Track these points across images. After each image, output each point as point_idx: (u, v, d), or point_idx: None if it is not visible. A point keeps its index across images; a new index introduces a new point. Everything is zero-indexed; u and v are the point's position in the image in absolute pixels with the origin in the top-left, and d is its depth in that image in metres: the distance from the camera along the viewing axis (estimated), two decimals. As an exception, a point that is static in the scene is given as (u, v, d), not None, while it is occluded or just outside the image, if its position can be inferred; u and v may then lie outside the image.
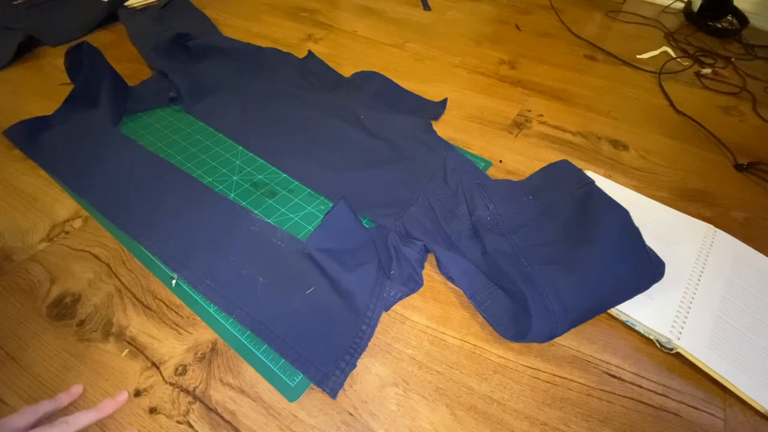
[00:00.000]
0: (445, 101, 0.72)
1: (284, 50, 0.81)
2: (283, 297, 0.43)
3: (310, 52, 0.82)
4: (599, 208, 0.48)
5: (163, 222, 0.50)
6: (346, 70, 0.79)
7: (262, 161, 0.60)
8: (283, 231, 0.49)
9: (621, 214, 0.46)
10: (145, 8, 0.96)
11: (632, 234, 0.45)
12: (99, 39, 0.86)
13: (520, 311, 0.43)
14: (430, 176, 0.56)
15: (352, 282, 0.43)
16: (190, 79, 0.71)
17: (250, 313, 0.42)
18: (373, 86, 0.73)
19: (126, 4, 0.95)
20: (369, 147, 0.61)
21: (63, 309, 0.43)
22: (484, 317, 0.43)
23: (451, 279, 0.46)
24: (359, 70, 0.77)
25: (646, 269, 0.44)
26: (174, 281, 0.45)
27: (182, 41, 0.79)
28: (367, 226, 0.50)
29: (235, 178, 0.57)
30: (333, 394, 0.37)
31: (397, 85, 0.75)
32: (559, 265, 0.43)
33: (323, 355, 0.39)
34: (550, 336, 0.40)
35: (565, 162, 0.55)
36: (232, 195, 0.55)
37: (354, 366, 0.39)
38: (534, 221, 0.50)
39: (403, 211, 0.52)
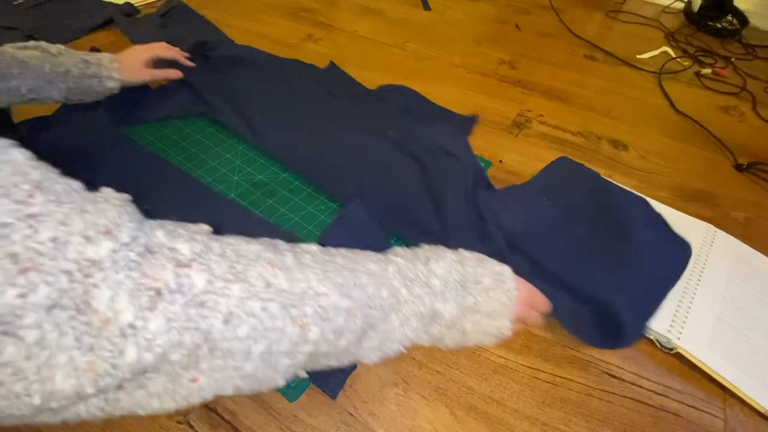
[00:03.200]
0: (475, 118, 0.69)
1: (284, 50, 0.81)
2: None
3: (331, 63, 0.79)
4: (620, 203, 0.49)
5: (162, 222, 0.50)
6: (347, 71, 0.79)
7: (262, 161, 0.60)
8: (283, 230, 0.49)
9: (642, 204, 0.47)
10: (141, 18, 0.93)
11: (659, 221, 0.46)
12: (99, 39, 0.86)
13: (592, 319, 0.43)
14: (463, 194, 0.52)
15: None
16: (216, 90, 0.68)
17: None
18: (400, 99, 0.71)
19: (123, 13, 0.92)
20: (397, 162, 0.58)
21: (63, 309, 0.43)
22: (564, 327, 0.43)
23: None
24: (363, 72, 0.77)
25: (684, 249, 0.46)
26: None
27: (201, 51, 0.75)
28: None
29: (235, 178, 0.57)
30: (333, 395, 0.37)
31: (426, 99, 0.72)
32: (611, 273, 0.44)
33: (323, 355, 0.39)
34: (633, 338, 0.41)
35: (563, 158, 0.55)
36: (232, 195, 0.55)
37: (354, 366, 0.39)
38: (556, 226, 0.49)
39: (433, 228, 0.50)
